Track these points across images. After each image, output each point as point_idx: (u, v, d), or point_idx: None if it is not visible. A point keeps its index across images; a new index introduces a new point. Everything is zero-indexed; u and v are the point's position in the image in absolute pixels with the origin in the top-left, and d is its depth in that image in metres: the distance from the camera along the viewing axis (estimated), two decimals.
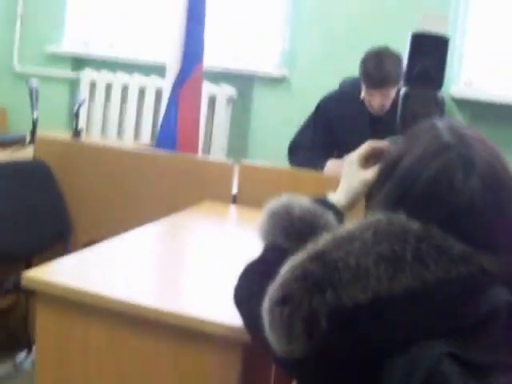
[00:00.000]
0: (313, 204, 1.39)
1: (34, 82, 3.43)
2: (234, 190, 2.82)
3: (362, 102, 3.25)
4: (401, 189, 1.13)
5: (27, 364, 3.01)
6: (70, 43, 4.77)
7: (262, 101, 4.37)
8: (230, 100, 4.36)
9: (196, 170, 2.88)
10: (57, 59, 4.75)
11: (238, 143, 4.40)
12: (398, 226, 1.05)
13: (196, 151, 3.87)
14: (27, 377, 2.95)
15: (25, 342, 3.09)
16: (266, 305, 1.09)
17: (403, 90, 1.82)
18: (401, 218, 1.06)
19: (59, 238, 3.02)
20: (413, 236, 1.03)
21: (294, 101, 4.28)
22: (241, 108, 4.40)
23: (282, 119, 4.27)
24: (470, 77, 4.04)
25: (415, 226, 1.04)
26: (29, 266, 2.99)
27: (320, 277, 1.03)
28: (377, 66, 3.10)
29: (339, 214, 1.41)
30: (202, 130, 4.19)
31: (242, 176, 2.82)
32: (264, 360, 1.58)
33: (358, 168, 1.46)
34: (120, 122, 4.62)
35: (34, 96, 3.39)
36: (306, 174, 2.81)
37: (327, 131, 3.36)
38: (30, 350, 3.06)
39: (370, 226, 1.06)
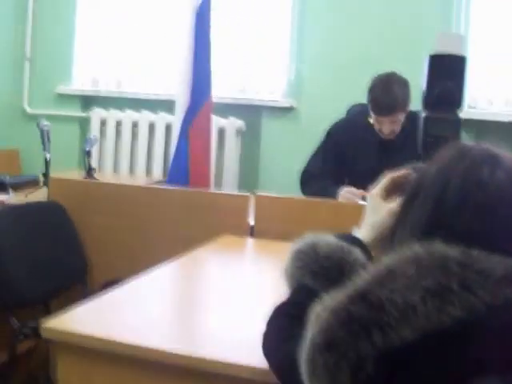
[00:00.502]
0: (339, 241, 1.36)
1: (45, 123, 3.45)
2: (251, 222, 2.81)
3: (371, 128, 3.25)
4: (430, 204, 1.10)
5: None
6: (79, 83, 4.82)
7: (271, 131, 4.39)
8: (238, 132, 4.38)
9: (212, 204, 2.87)
10: (66, 99, 4.80)
11: (249, 175, 4.41)
12: (439, 256, 1.01)
13: (208, 185, 3.88)
14: None
15: None
16: (306, 353, 1.03)
17: (423, 114, 1.80)
18: (438, 246, 1.02)
19: (77, 279, 3.01)
20: (455, 264, 0.99)
21: (302, 130, 4.29)
22: (250, 139, 4.42)
23: (290, 149, 4.28)
24: (474, 97, 4.04)
25: (455, 252, 1.01)
26: (47, 308, 2.98)
27: (367, 319, 0.97)
28: (384, 93, 3.09)
29: (366, 249, 1.39)
30: (213, 164, 4.19)
31: (259, 207, 2.81)
32: None
33: (381, 201, 1.45)
34: (131, 159, 4.64)
35: (45, 137, 3.41)
36: (322, 203, 2.80)
37: (337, 157, 3.36)
38: None
39: (409, 260, 1.01)
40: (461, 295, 0.97)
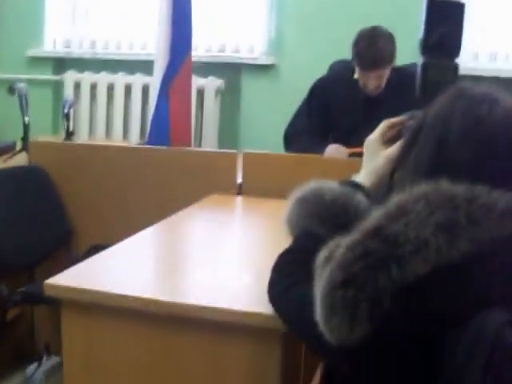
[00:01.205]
0: (342, 187, 1.39)
1: (22, 85, 3.34)
2: (239, 180, 2.76)
3: (356, 83, 3.21)
4: (432, 144, 1.13)
5: (38, 376, 2.94)
6: (51, 45, 4.68)
7: (251, 90, 4.33)
8: (218, 91, 4.30)
9: (199, 163, 2.81)
10: (38, 62, 4.66)
11: (229, 134, 4.34)
12: (446, 193, 1.04)
13: (189, 145, 3.80)
14: None
15: (32, 353, 3.02)
16: (323, 291, 1.05)
17: (421, 60, 1.76)
18: (445, 184, 1.05)
19: (61, 244, 2.94)
20: (462, 199, 1.02)
21: (282, 88, 4.24)
22: (230, 98, 4.35)
23: (271, 107, 4.23)
24: (474, 52, 3.99)
25: (461, 188, 1.04)
26: (32, 275, 2.92)
27: (383, 253, 1.01)
28: (369, 47, 3.05)
29: (367, 194, 1.41)
30: (193, 123, 4.11)
31: (246, 165, 2.76)
32: (296, 345, 1.53)
33: (379, 147, 1.48)
34: (107, 123, 4.54)
35: (23, 100, 3.30)
36: (311, 159, 2.76)
37: (322, 114, 3.32)
38: (40, 362, 2.98)
39: (418, 197, 1.04)
40: (468, 228, 1.00)
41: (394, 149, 1.42)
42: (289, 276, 1.28)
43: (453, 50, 1.77)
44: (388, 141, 1.48)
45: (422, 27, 1.76)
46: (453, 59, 1.79)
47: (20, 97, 3.33)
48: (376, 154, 1.46)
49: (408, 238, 1.00)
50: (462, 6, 1.78)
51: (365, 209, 1.34)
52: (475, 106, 1.11)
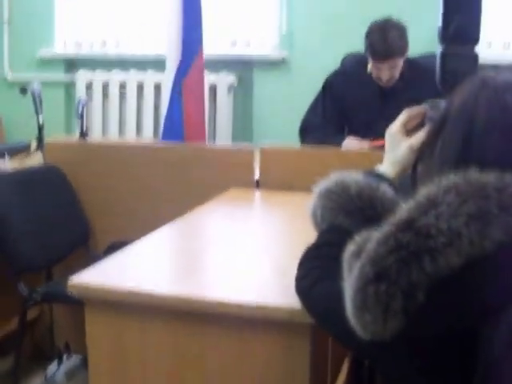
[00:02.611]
0: (366, 178, 1.38)
1: (36, 86, 3.33)
2: (257, 175, 2.76)
3: (369, 76, 3.21)
4: (459, 135, 1.11)
5: (59, 375, 2.94)
6: (62, 45, 4.66)
7: (263, 85, 4.31)
8: (230, 87, 4.29)
9: (216, 158, 2.81)
10: (49, 63, 4.65)
11: (243, 130, 4.33)
12: (476, 183, 1.02)
13: (204, 142, 3.79)
14: None
15: (52, 353, 3.02)
16: (354, 285, 1.03)
17: (440, 50, 1.76)
18: (474, 174, 1.03)
19: (79, 243, 2.94)
20: (492, 189, 1.01)
21: (295, 82, 4.23)
22: (242, 94, 4.34)
23: (284, 102, 4.23)
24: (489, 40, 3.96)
25: (490, 178, 1.02)
26: (49, 275, 2.92)
27: (416, 245, 0.99)
28: (382, 38, 3.07)
29: (391, 184, 1.41)
30: (206, 120, 4.10)
31: (264, 160, 2.75)
32: (323, 336, 1.52)
33: (402, 137, 1.47)
34: (120, 121, 4.53)
35: (37, 100, 3.29)
36: (328, 152, 2.75)
37: (337, 107, 3.34)
38: (60, 361, 2.99)
39: (448, 188, 1.02)
40: (500, 217, 0.98)
41: (416, 138, 1.43)
42: (316, 271, 1.27)
43: (471, 39, 1.76)
44: (410, 130, 1.48)
45: (440, 17, 1.76)
46: (472, 48, 1.78)
47: (34, 97, 3.32)
48: (398, 144, 1.46)
49: (440, 229, 0.99)
50: None
51: (390, 200, 1.33)
52: (499, 94, 1.10)
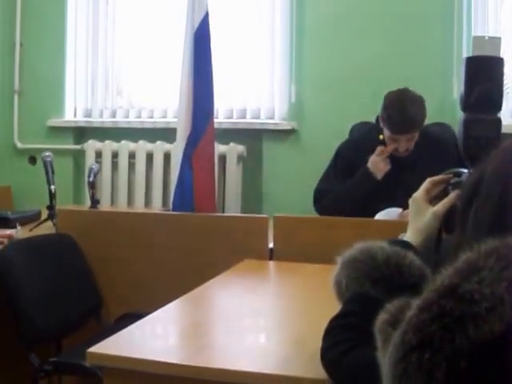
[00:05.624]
0: (392, 246, 1.37)
1: (47, 154, 3.35)
2: (271, 245, 2.73)
3: (381, 144, 3.21)
4: (493, 202, 1.11)
5: None
6: (71, 114, 4.69)
7: (273, 155, 4.30)
8: (240, 157, 4.30)
9: (229, 227, 2.79)
10: (58, 132, 4.66)
11: (252, 200, 4.31)
12: None
13: (214, 212, 3.78)
14: None
15: None
16: (394, 354, 0.99)
17: (462, 117, 1.76)
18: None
19: (91, 314, 2.90)
20: None
21: (304, 152, 4.23)
22: (252, 164, 4.33)
23: (293, 172, 4.21)
24: None
25: None
26: (59, 345, 2.87)
27: (459, 311, 0.97)
28: (401, 112, 3.07)
29: (418, 252, 1.39)
30: (216, 191, 4.10)
31: (278, 229, 2.73)
32: None
33: (425, 205, 1.47)
34: (129, 190, 4.53)
35: (48, 168, 3.30)
36: (343, 221, 2.73)
37: (349, 176, 3.30)
38: None
39: (488, 253, 1.01)
40: None
41: (440, 206, 1.44)
42: (344, 341, 1.24)
43: (494, 105, 1.77)
44: (433, 198, 1.48)
45: (462, 85, 1.77)
46: (495, 114, 1.79)
47: (46, 166, 3.32)
48: (422, 212, 1.46)
49: (483, 295, 0.97)
50: (501, 60, 1.79)
51: (418, 268, 1.32)
52: None
